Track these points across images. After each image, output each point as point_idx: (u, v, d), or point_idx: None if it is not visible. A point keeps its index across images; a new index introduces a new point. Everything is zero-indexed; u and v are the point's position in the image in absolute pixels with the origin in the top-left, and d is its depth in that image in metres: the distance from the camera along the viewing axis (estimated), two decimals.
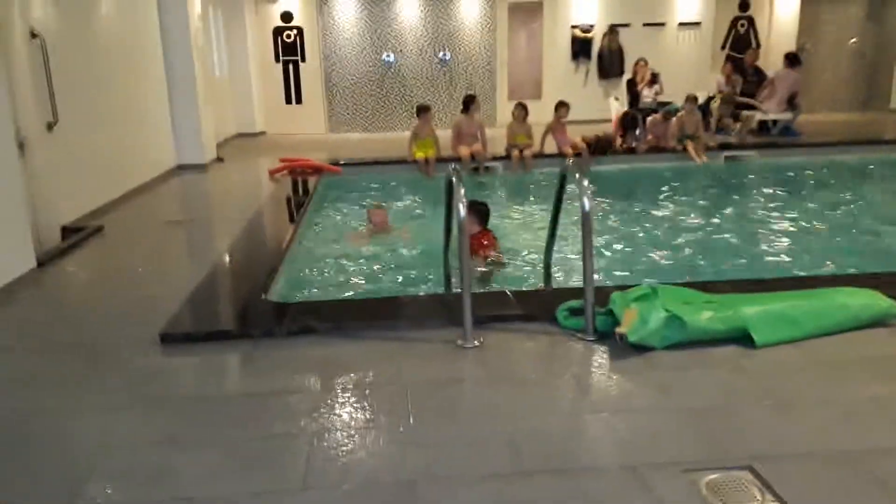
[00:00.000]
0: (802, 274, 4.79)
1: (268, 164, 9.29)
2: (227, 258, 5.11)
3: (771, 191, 8.14)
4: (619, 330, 3.40)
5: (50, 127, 5.77)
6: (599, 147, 9.50)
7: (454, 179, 3.55)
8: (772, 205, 7.48)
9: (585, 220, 3.50)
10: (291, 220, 6.12)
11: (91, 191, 6.63)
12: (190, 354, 3.50)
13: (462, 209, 3.45)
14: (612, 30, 13.63)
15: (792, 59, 11.31)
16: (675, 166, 9.44)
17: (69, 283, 4.83)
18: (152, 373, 3.32)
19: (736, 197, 8.06)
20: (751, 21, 14.19)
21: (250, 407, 2.96)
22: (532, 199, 8.16)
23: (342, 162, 9.35)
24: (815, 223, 6.67)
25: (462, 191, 3.48)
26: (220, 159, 9.95)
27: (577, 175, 3.52)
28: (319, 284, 4.97)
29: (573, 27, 13.77)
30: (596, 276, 5.10)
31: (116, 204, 7.05)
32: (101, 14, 7.24)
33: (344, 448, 2.62)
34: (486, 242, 5.30)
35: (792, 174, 9.11)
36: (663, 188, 8.53)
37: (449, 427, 2.77)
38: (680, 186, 8.63)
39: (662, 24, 13.97)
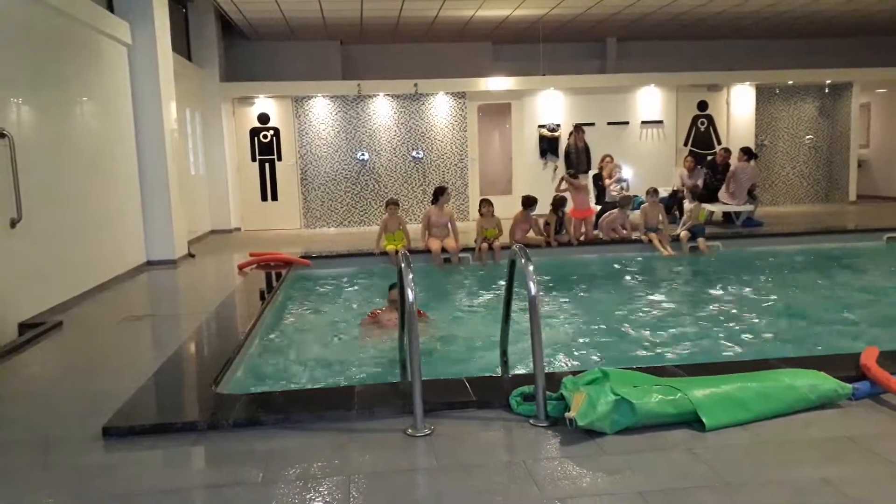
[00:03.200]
0: (752, 357, 4.81)
1: (239, 259, 9.33)
2: (182, 351, 5.03)
3: (731, 279, 8.27)
4: (568, 415, 3.38)
5: (13, 224, 5.80)
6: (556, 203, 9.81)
7: (403, 265, 3.60)
8: (731, 292, 7.59)
9: (532, 304, 3.53)
10: (254, 313, 6.10)
11: (54, 287, 6.58)
12: (132, 448, 3.41)
13: (410, 294, 3.48)
14: (578, 128, 14.15)
15: (748, 153, 11.82)
16: (639, 256, 9.65)
17: (19, 380, 4.72)
18: (92, 467, 3.21)
19: (697, 285, 8.20)
20: (710, 119, 14.86)
21: (188, 501, 2.86)
22: (501, 288, 8.21)
23: (313, 255, 9.42)
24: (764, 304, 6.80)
25: (410, 276, 3.53)
26: (191, 255, 9.99)
27: (523, 260, 3.59)
28: (277, 376, 4.90)
29: (540, 126, 14.34)
30: (560, 362, 5.20)
31: (80, 299, 7.00)
32: (76, 116, 7.44)
33: None
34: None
35: (752, 262, 9.31)
36: (626, 277, 8.68)
37: None
38: (644, 276, 8.77)
39: (626, 123, 14.59)
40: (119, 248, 8.40)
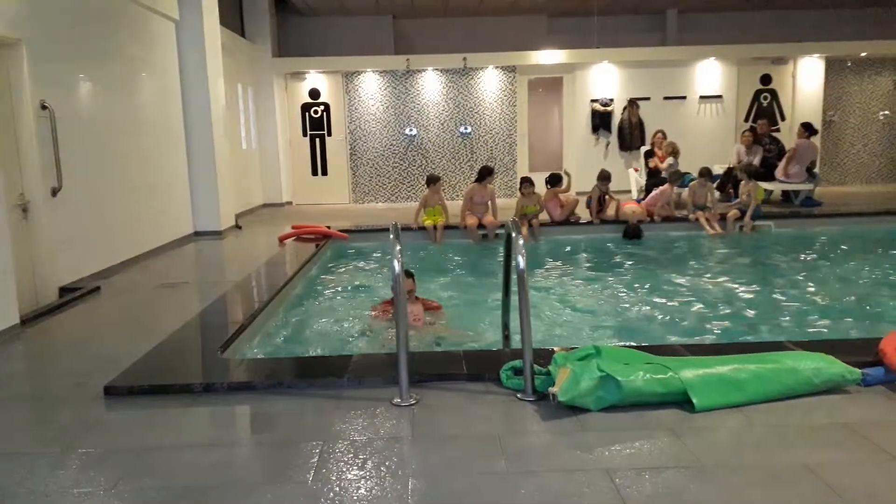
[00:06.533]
0: (762, 339, 4.61)
1: (284, 231, 9.52)
2: (200, 317, 5.19)
3: (780, 260, 7.94)
4: (550, 390, 3.33)
5: (54, 192, 6.09)
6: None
7: (392, 237, 3.60)
8: (776, 274, 7.28)
9: (520, 278, 3.48)
10: (280, 283, 6.22)
11: (96, 253, 6.89)
12: (128, 407, 3.55)
13: (397, 266, 3.48)
14: (633, 103, 13.80)
15: (808, 129, 11.23)
16: (685, 235, 9.35)
17: (46, 339, 4.98)
18: (88, 423, 3.37)
19: (741, 266, 7.88)
20: (773, 94, 14.17)
21: (159, 458, 2.97)
22: (546, 265, 8.08)
23: (352, 228, 9.54)
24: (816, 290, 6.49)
25: (398, 248, 3.52)
26: (238, 227, 10.27)
27: (514, 234, 3.53)
28: (291, 345, 5.00)
29: (593, 101, 14.00)
30: (579, 338, 5.11)
31: (123, 266, 7.31)
32: (123, 90, 7.71)
33: (243, 502, 2.60)
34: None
35: (806, 243, 8.88)
36: (669, 256, 8.43)
37: (353, 484, 2.72)
38: (687, 255, 8.50)
39: (683, 98, 14.08)
40: (165, 219, 8.70)
